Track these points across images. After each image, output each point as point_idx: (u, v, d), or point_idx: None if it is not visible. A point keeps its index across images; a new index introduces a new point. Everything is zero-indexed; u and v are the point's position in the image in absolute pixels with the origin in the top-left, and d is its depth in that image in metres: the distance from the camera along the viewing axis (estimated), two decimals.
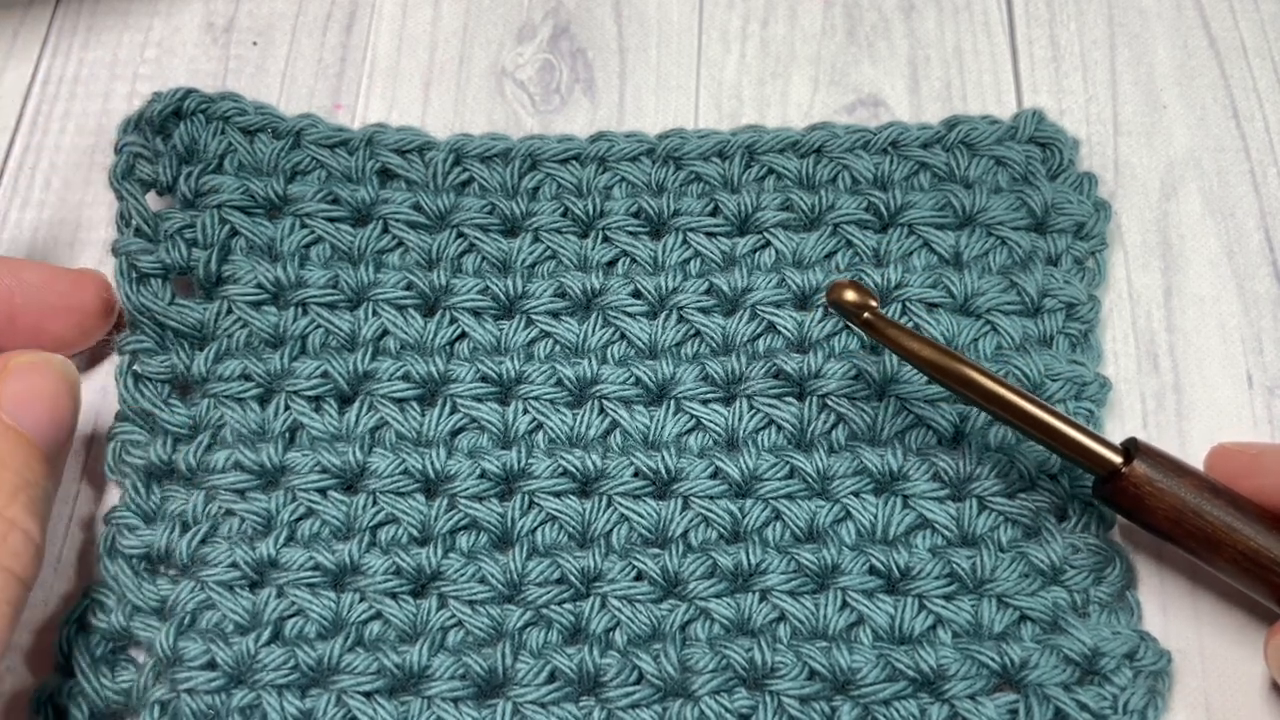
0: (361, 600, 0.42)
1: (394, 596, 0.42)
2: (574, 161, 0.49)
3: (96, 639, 0.42)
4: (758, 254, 0.48)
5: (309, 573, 0.42)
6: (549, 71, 0.54)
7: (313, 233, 0.47)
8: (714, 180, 0.49)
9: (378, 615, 0.42)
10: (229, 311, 0.46)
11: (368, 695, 0.41)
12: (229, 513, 0.44)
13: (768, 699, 0.41)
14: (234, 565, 0.42)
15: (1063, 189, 0.49)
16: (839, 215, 0.48)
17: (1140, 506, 0.40)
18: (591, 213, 0.48)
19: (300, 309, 0.46)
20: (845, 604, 0.42)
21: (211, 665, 0.41)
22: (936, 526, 0.44)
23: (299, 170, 0.48)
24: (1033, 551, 0.43)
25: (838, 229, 0.48)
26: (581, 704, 0.41)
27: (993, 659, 0.41)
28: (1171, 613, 0.43)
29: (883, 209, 0.48)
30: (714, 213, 0.48)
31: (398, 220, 0.47)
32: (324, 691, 0.41)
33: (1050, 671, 0.41)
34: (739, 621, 0.42)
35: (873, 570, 0.43)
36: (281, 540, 0.43)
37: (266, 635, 0.41)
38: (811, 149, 0.49)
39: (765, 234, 0.47)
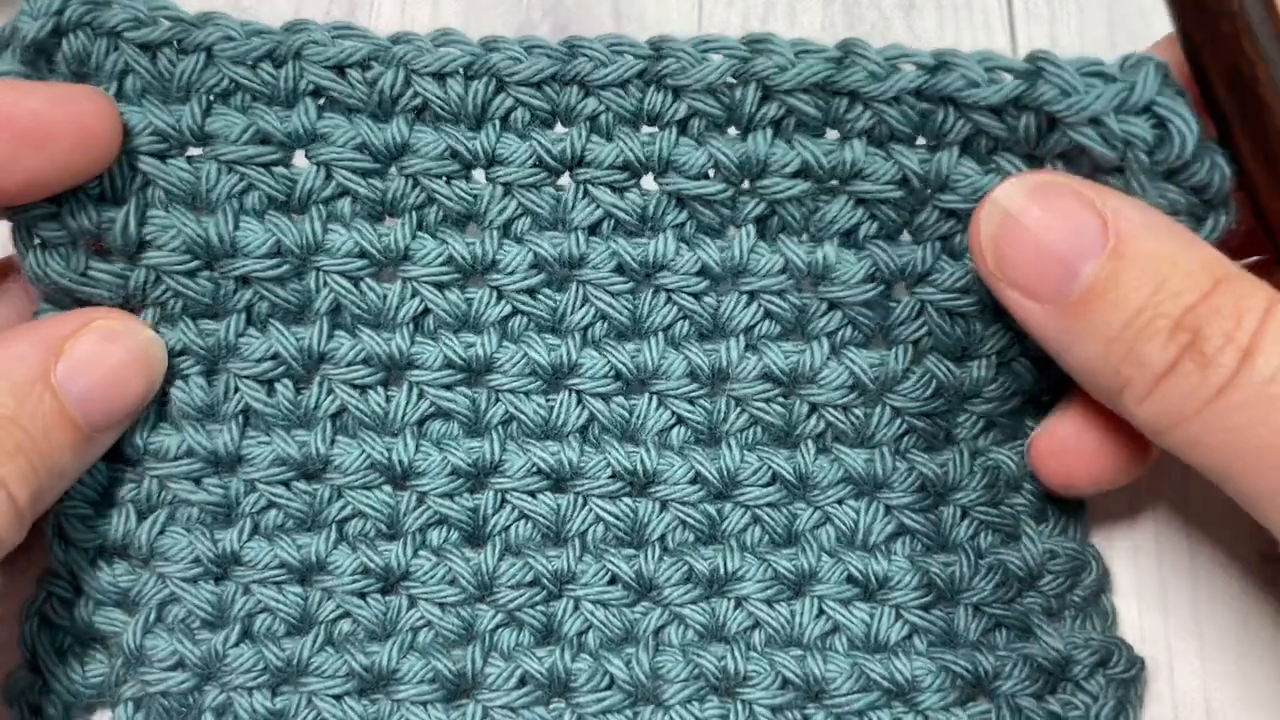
0: (330, 599, 0.41)
1: (363, 596, 0.41)
2: (551, 84, 0.39)
3: (60, 634, 0.41)
4: (765, 221, 0.40)
5: (274, 571, 0.41)
6: None
7: (243, 178, 0.39)
8: (717, 114, 0.39)
9: (347, 614, 0.41)
10: (158, 280, 0.39)
11: (338, 698, 0.40)
12: (185, 502, 0.41)
13: (739, 707, 0.40)
14: (196, 561, 0.40)
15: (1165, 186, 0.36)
16: (865, 188, 0.39)
17: None
18: (570, 158, 0.39)
19: (241, 280, 0.40)
20: (821, 611, 0.41)
21: (180, 665, 0.40)
22: (916, 533, 0.41)
23: (219, 92, 0.39)
24: (1010, 557, 0.41)
25: (863, 202, 0.39)
26: (552, 707, 0.40)
27: (966, 669, 0.40)
28: (1171, 613, 0.43)
29: (918, 183, 0.38)
30: (715, 170, 0.39)
31: (341, 166, 0.39)
32: (295, 691, 0.40)
33: (1022, 683, 0.40)
34: (713, 628, 0.41)
35: (850, 579, 0.41)
36: (245, 533, 0.41)
37: (235, 636, 0.40)
38: (843, 90, 0.38)
39: (773, 206, 0.40)
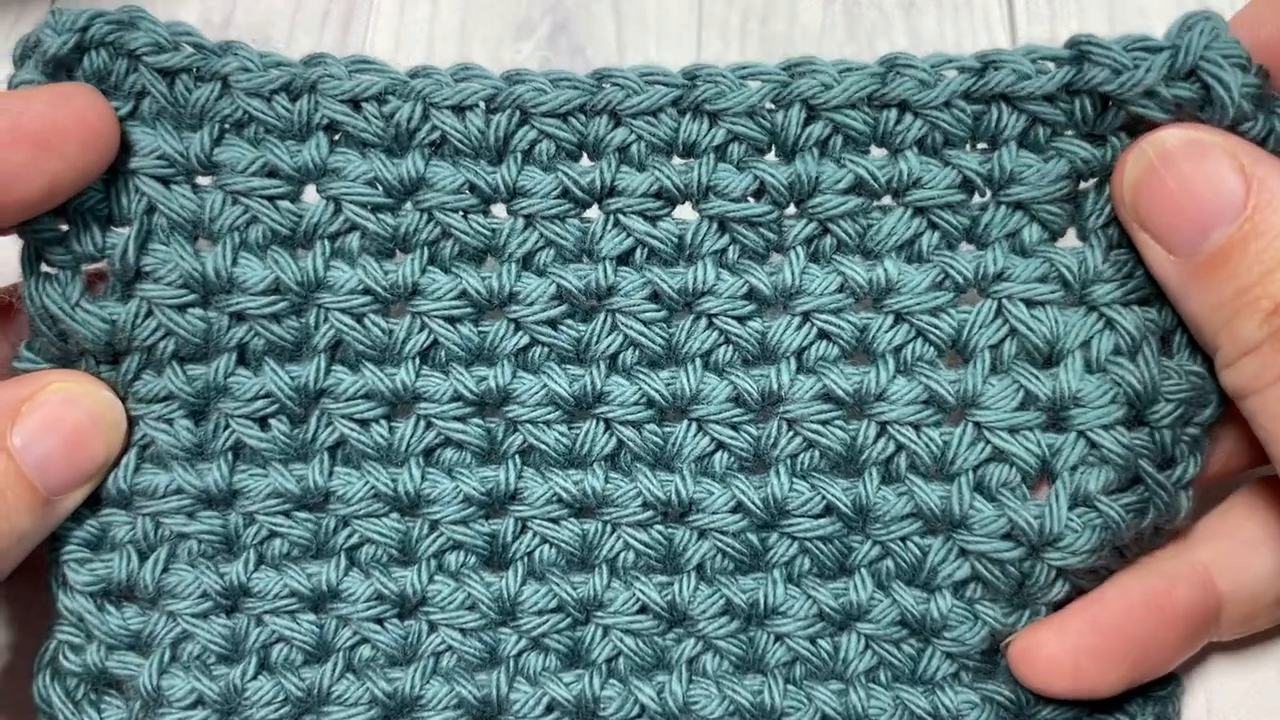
0: (346, 626, 0.39)
1: (380, 622, 0.39)
2: (577, 114, 0.38)
3: (74, 682, 0.39)
4: (815, 242, 0.38)
5: (285, 600, 0.39)
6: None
7: (247, 211, 0.38)
8: (758, 138, 0.37)
9: (365, 640, 0.40)
10: (148, 315, 0.38)
11: None
12: (182, 536, 0.39)
13: None
14: (204, 595, 0.39)
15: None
16: (925, 196, 0.37)
17: None
18: (600, 190, 0.38)
19: (235, 317, 0.38)
20: (867, 648, 0.39)
21: (199, 703, 0.39)
22: (989, 581, 0.38)
23: (232, 122, 0.38)
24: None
25: (921, 212, 0.38)
26: None
27: (1009, 699, 0.38)
28: None
29: (981, 183, 0.37)
30: (758, 193, 0.38)
31: (351, 201, 0.38)
32: None
33: (1061, 708, 0.39)
34: (750, 660, 0.39)
35: (903, 622, 0.39)
36: (251, 564, 0.39)
37: (252, 668, 0.39)
38: (892, 102, 0.37)
39: (825, 224, 0.38)
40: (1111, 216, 0.37)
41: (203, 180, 0.38)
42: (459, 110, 0.37)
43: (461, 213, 0.38)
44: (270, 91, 0.37)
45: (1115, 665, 0.37)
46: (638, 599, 0.39)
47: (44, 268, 0.38)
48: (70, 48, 0.37)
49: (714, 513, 0.38)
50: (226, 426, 0.39)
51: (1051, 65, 0.36)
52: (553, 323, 0.38)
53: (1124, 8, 0.54)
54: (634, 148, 0.37)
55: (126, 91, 0.37)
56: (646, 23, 0.55)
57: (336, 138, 0.38)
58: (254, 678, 0.39)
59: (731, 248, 0.38)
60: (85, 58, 0.37)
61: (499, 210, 0.38)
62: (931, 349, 0.38)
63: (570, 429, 0.39)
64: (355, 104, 0.37)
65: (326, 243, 0.38)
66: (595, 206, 0.38)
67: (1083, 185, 0.37)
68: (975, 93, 0.36)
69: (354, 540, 0.39)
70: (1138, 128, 0.36)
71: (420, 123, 0.37)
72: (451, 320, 0.38)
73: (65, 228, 0.38)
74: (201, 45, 0.38)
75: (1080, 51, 0.36)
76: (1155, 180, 0.35)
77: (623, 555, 0.39)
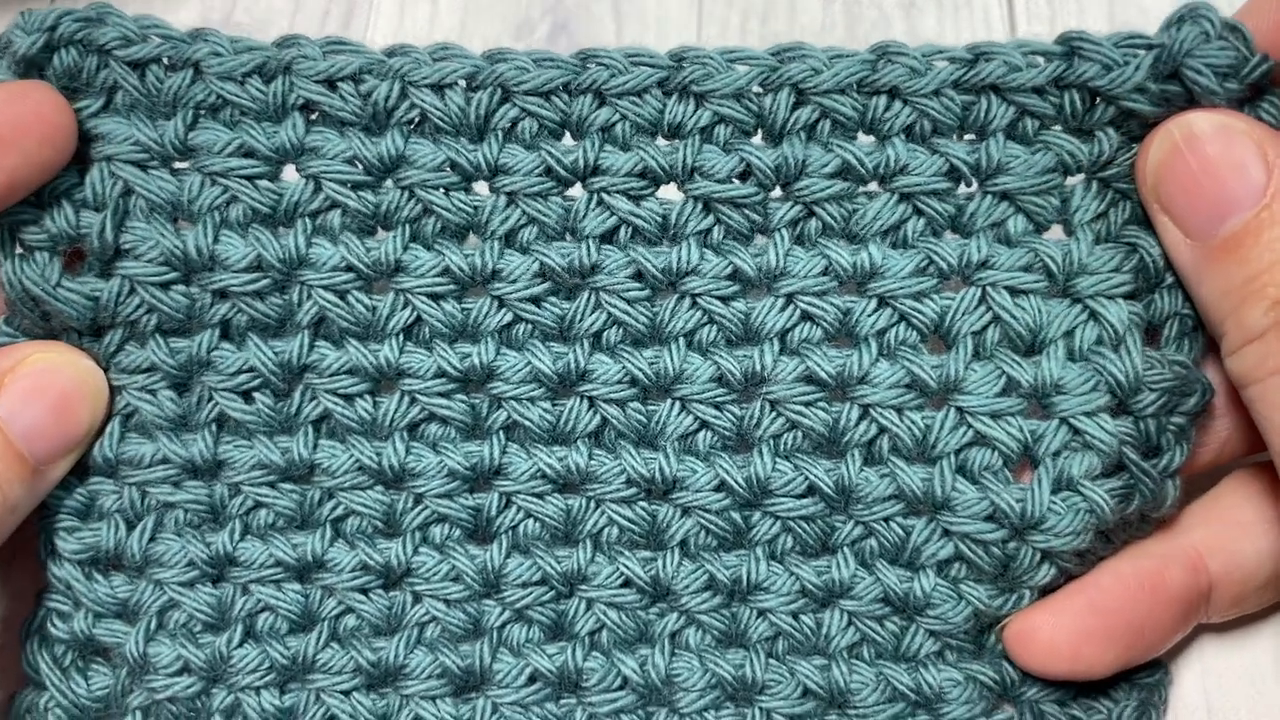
0: (331, 596, 0.40)
1: (365, 592, 0.40)
2: (560, 93, 0.37)
3: (62, 649, 0.40)
4: (800, 225, 0.38)
5: (271, 570, 0.39)
6: None
7: (226, 191, 0.38)
8: (744, 120, 0.38)
9: (350, 610, 0.40)
10: (131, 292, 0.38)
11: (346, 693, 0.39)
12: (169, 505, 0.40)
13: (757, 713, 0.39)
14: (190, 564, 0.39)
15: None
16: (911, 182, 0.37)
17: None
18: (583, 168, 0.38)
19: (219, 294, 0.38)
20: (850, 624, 0.39)
21: (186, 670, 0.39)
22: (973, 562, 0.39)
23: (207, 107, 0.38)
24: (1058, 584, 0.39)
25: (906, 198, 0.38)
26: (562, 703, 0.39)
27: (993, 679, 0.39)
28: None
29: (968, 172, 0.37)
30: (743, 175, 0.38)
31: (330, 179, 0.38)
32: (303, 688, 0.39)
33: (1046, 689, 0.39)
34: (733, 634, 0.39)
35: (885, 600, 0.39)
36: (237, 534, 0.39)
37: (238, 636, 0.39)
38: (882, 88, 0.37)
39: (810, 207, 0.38)
40: (1098, 212, 0.37)
41: (180, 166, 0.39)
42: (438, 89, 0.37)
43: (443, 189, 0.38)
44: (243, 74, 0.37)
45: (1112, 646, 0.37)
46: (621, 573, 0.39)
47: (19, 250, 0.38)
48: (40, 47, 0.37)
49: (697, 491, 0.39)
50: (210, 399, 0.39)
51: (1042, 60, 0.36)
52: (536, 300, 0.38)
53: (1124, 6, 0.54)
54: (618, 127, 0.37)
55: (99, 88, 0.38)
56: (646, 23, 0.55)
57: (313, 117, 0.38)
58: (239, 645, 0.39)
59: (716, 228, 0.38)
60: (55, 56, 0.37)
61: (481, 188, 0.38)
62: (914, 333, 0.38)
63: (554, 406, 0.39)
64: (331, 84, 0.37)
65: (308, 220, 0.38)
66: (579, 186, 0.38)
67: (1070, 180, 0.38)
68: (965, 83, 0.36)
69: (339, 512, 0.40)
70: (1126, 123, 0.36)
71: (399, 101, 0.37)
72: (435, 297, 0.38)
73: (40, 210, 0.38)
74: (170, 35, 0.38)
75: (1071, 47, 0.36)
76: (1179, 162, 0.35)
77: (606, 530, 0.39)
